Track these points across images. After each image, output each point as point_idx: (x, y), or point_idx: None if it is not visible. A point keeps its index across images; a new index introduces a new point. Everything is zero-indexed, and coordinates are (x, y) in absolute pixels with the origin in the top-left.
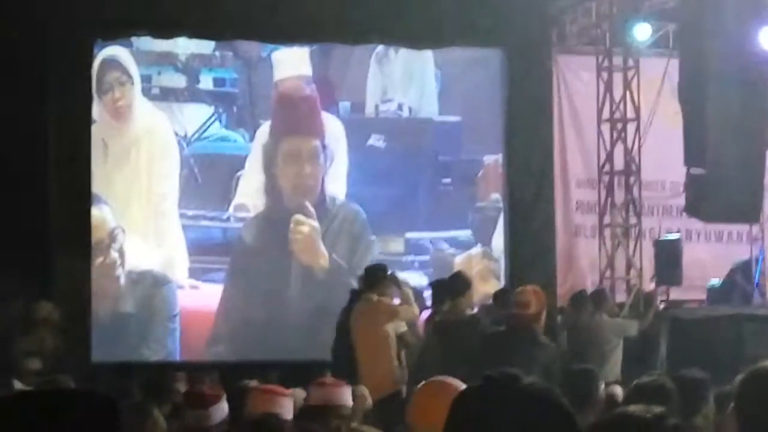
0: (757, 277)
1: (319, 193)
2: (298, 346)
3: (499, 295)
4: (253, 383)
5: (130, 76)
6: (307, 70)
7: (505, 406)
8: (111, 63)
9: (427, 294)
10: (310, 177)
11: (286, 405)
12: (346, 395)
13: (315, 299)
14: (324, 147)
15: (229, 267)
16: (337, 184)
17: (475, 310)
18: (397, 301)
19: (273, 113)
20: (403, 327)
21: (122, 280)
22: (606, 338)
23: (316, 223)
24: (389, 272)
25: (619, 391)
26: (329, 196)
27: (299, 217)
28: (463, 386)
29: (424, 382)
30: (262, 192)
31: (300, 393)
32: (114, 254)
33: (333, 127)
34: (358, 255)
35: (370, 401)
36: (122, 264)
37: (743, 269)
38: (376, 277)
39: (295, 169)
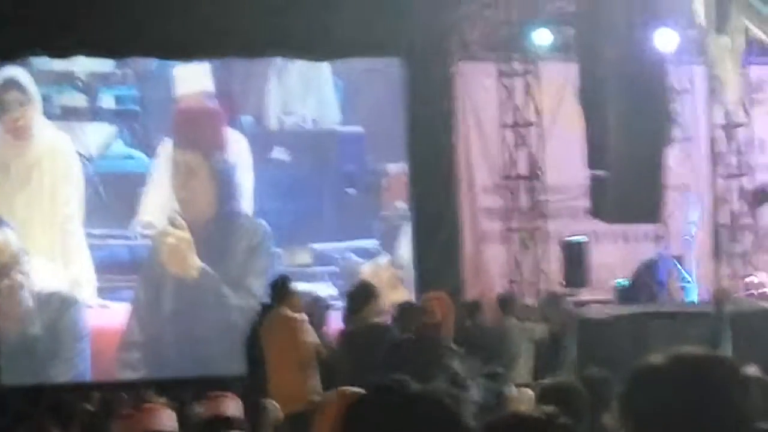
0: (662, 275)
1: (218, 207)
2: (208, 361)
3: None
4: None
5: (29, 97)
6: (208, 85)
7: (395, 413)
8: (9, 83)
9: (338, 304)
10: (207, 192)
11: (167, 419)
12: (233, 407)
13: (187, 311)
14: (225, 161)
15: (137, 284)
16: (242, 198)
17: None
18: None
19: (173, 129)
20: (314, 338)
21: (29, 302)
22: (513, 342)
23: (184, 234)
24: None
25: (530, 393)
26: (230, 211)
27: (167, 228)
28: None
29: (327, 393)
30: (165, 208)
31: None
32: (19, 276)
33: (236, 142)
34: (258, 268)
35: (280, 414)
36: (28, 286)
37: (649, 268)
38: (283, 289)
39: (191, 184)
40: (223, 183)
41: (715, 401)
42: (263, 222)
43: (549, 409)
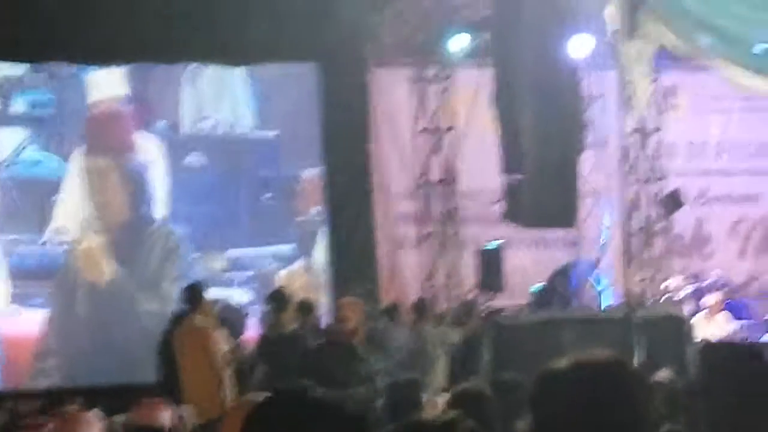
0: (575, 280)
1: (132, 212)
2: (124, 368)
3: (302, 307)
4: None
5: None
6: (122, 90)
7: (294, 420)
8: None
9: (254, 309)
10: (120, 197)
11: (94, 428)
12: (162, 416)
13: (102, 317)
14: (137, 165)
15: (52, 291)
16: (155, 202)
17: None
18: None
19: (85, 135)
20: (225, 345)
21: None
22: (429, 347)
23: (98, 238)
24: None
25: (442, 399)
26: (144, 215)
27: (81, 233)
28: None
29: (234, 402)
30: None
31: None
32: None
33: (149, 147)
34: (172, 274)
35: (194, 421)
36: None
37: (562, 274)
38: (195, 296)
39: (104, 189)
40: (137, 187)
41: (616, 404)
42: (176, 228)
43: (454, 413)
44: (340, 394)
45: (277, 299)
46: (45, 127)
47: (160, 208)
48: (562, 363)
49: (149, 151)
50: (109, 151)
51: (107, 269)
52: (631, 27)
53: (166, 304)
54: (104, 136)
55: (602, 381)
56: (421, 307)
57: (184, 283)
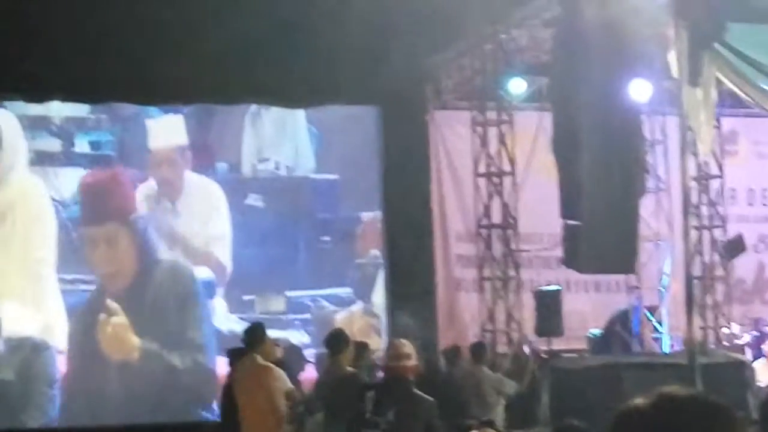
0: (635, 325)
1: (139, 265)
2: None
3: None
4: None
5: (3, 142)
6: (182, 138)
7: None
8: None
9: (310, 353)
10: (129, 257)
11: None
12: None
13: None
14: (140, 221)
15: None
16: (216, 245)
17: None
18: None
19: (81, 206)
20: (288, 385)
21: (0, 347)
22: (486, 391)
23: (120, 319)
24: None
25: None
26: (151, 261)
27: (102, 316)
28: None
29: None
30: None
31: None
32: None
33: (210, 189)
34: (193, 320)
35: None
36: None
37: (622, 318)
38: (256, 336)
39: (112, 256)
40: (143, 241)
41: None
42: (189, 265)
43: None
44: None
45: (335, 341)
46: (106, 166)
47: (224, 249)
48: (641, 400)
49: (210, 192)
50: (109, 217)
51: (133, 345)
52: (693, 72)
53: (195, 353)
54: (101, 203)
55: (686, 416)
56: (478, 350)
57: (207, 327)
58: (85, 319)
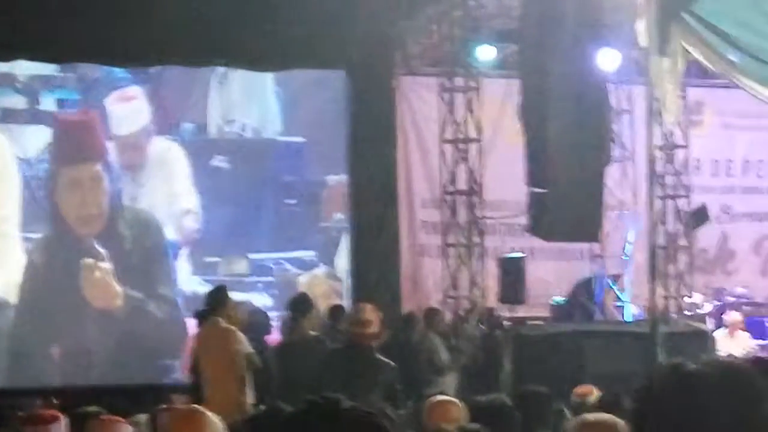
0: (598, 294)
1: (106, 217)
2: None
3: (334, 312)
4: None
5: None
6: (145, 120)
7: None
8: None
9: (274, 314)
10: (93, 204)
11: None
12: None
13: (115, 335)
14: (107, 170)
15: (20, 291)
16: (180, 206)
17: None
18: None
19: (53, 141)
20: (248, 348)
21: None
22: (441, 357)
23: (106, 264)
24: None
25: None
26: (116, 215)
27: (88, 261)
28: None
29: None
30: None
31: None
32: None
33: (173, 154)
34: (162, 275)
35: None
36: None
37: (585, 287)
38: (218, 299)
39: (77, 197)
40: (113, 187)
41: (753, 411)
42: (152, 215)
43: (474, 426)
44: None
45: (299, 304)
46: None
47: (186, 208)
48: (687, 364)
49: (169, 153)
50: (81, 159)
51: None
52: (662, 42)
53: (167, 306)
54: (70, 142)
55: (741, 385)
56: (430, 316)
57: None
58: (58, 266)
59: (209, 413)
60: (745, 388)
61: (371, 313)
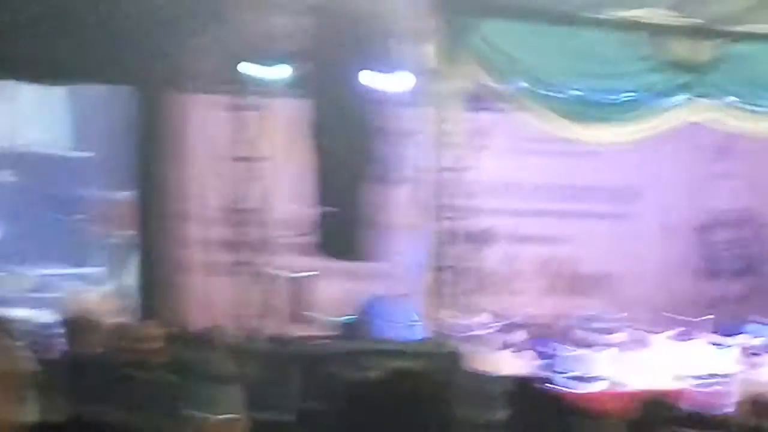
0: (385, 314)
1: None
2: None
3: (119, 329)
4: None
5: None
6: None
7: None
8: None
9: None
10: None
11: None
12: None
13: None
14: None
15: None
16: None
17: None
18: None
19: None
20: (25, 366)
21: None
22: (221, 374)
23: None
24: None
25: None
26: None
27: None
28: None
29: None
30: None
31: None
32: None
33: None
34: None
35: None
36: None
37: (372, 306)
38: None
39: None
40: None
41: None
42: None
43: None
44: (143, 418)
45: (83, 321)
46: None
47: None
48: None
49: None
50: None
51: None
52: (449, 65)
53: None
54: None
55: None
56: (217, 334)
57: None
58: None
59: None
60: (410, 395)
61: (155, 330)
